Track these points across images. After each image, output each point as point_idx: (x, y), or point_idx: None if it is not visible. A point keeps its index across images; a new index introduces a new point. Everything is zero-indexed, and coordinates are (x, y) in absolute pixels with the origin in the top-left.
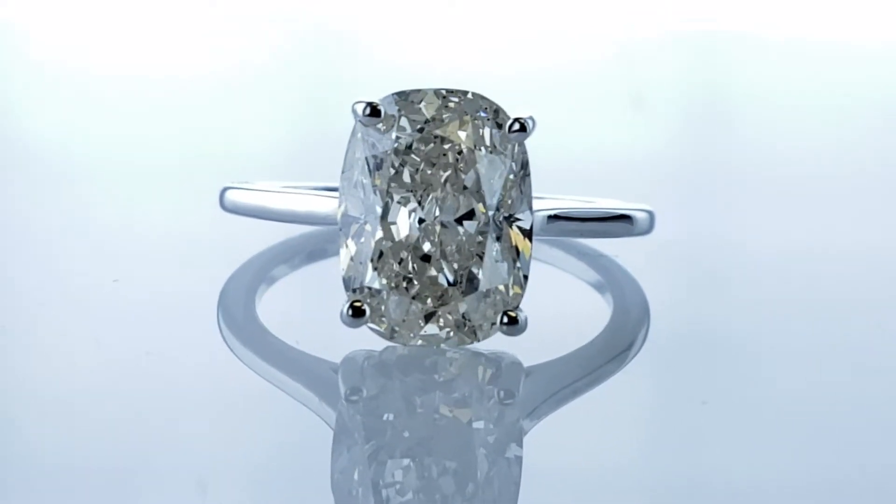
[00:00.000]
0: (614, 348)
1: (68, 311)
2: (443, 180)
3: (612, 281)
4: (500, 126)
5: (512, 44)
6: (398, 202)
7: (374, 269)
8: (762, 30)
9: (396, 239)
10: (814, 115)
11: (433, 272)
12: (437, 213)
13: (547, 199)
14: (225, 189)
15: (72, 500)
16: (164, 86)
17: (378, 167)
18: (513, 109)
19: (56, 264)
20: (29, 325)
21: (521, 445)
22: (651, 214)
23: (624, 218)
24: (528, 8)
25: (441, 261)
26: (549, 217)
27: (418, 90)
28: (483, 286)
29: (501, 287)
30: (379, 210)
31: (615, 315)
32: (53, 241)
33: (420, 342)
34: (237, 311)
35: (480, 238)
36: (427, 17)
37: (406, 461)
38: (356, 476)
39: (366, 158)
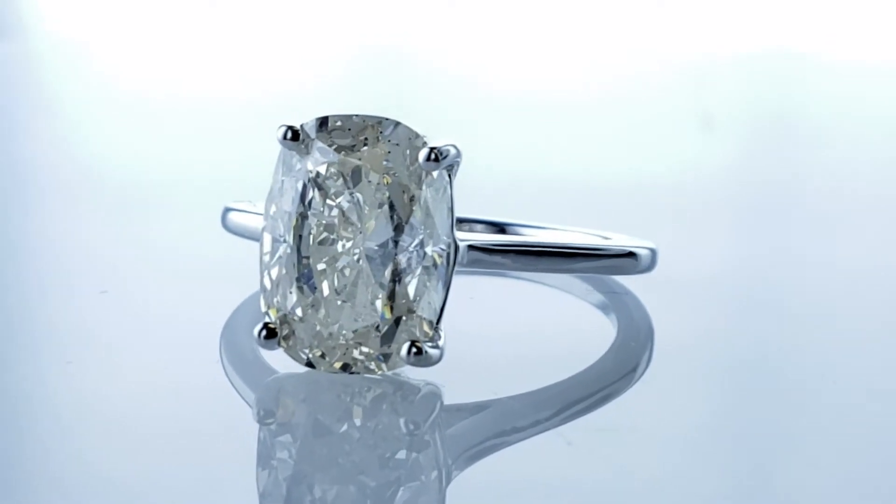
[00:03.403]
0: (620, 368)
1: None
2: (361, 208)
3: (618, 302)
4: (422, 155)
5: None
6: (315, 228)
7: (290, 293)
8: (833, 51)
9: (313, 266)
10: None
11: (349, 302)
12: (354, 241)
13: (558, 230)
14: (227, 210)
15: None
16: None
17: (298, 192)
18: (438, 138)
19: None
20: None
21: (445, 479)
22: (654, 252)
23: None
24: (592, 25)
25: (356, 290)
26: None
27: (342, 115)
28: (396, 316)
29: (417, 317)
30: (297, 236)
31: (620, 335)
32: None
33: (336, 368)
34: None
35: (397, 268)
36: (490, 39)
37: (321, 487)
38: (278, 499)
39: (282, 182)
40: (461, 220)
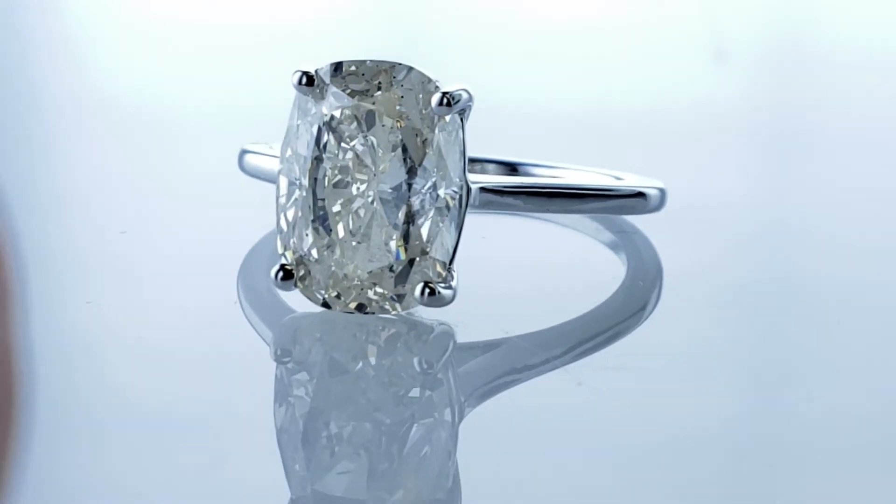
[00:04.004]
0: (629, 307)
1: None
2: (375, 152)
3: (628, 241)
4: (434, 99)
5: None
6: (330, 171)
7: (306, 235)
8: None
9: (328, 208)
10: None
11: (363, 243)
12: (368, 184)
13: (569, 169)
14: (243, 152)
15: None
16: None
17: (313, 136)
18: (452, 82)
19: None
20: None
21: (457, 415)
22: (663, 192)
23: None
24: None
25: (371, 232)
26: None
27: (355, 61)
28: (410, 257)
29: (430, 258)
30: (312, 179)
31: (629, 274)
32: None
33: (351, 308)
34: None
35: (410, 210)
36: None
37: (337, 423)
38: (295, 435)
39: (297, 125)
40: (473, 160)
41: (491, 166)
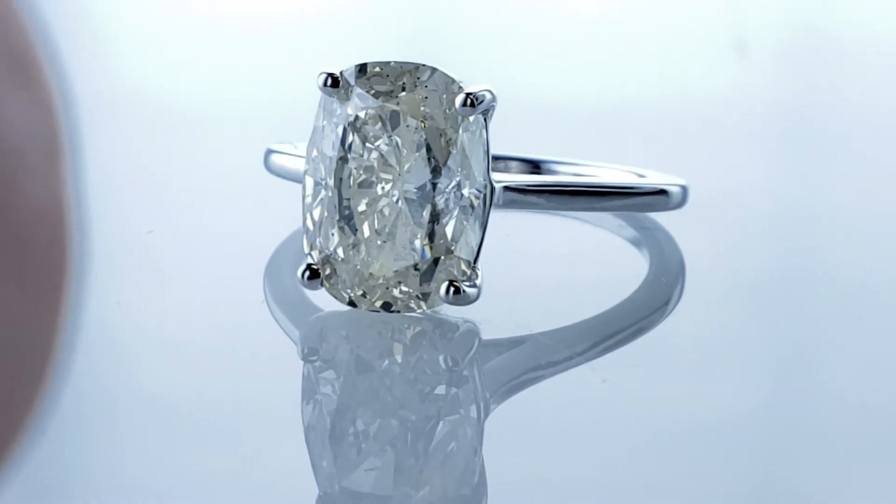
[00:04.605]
0: (652, 303)
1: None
2: (399, 152)
3: (650, 237)
4: (458, 100)
5: None
6: (355, 171)
7: (332, 234)
8: None
9: (353, 208)
10: None
11: (388, 242)
12: (393, 183)
13: (592, 166)
14: (269, 152)
15: None
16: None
17: (338, 136)
18: (475, 83)
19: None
20: None
21: (483, 412)
22: (685, 189)
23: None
24: None
25: (396, 231)
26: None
27: (379, 62)
28: (435, 256)
29: (455, 257)
30: (338, 179)
31: (652, 270)
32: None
33: (377, 307)
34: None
35: (435, 210)
36: None
37: (364, 420)
38: (322, 432)
39: (323, 126)
40: (496, 158)
41: (514, 164)
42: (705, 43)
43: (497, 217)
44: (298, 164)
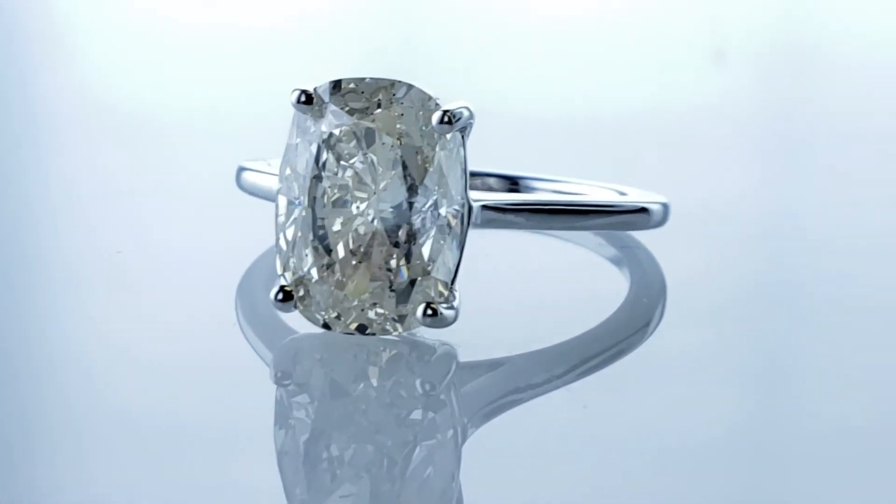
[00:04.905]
0: (633, 324)
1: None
2: (374, 170)
3: (631, 256)
4: (435, 117)
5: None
6: (329, 190)
7: (306, 255)
8: None
9: (328, 227)
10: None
11: (364, 263)
12: (368, 202)
13: (571, 183)
14: (241, 169)
15: None
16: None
17: (312, 154)
18: (452, 100)
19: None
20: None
21: (461, 436)
22: (666, 207)
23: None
24: None
25: (371, 251)
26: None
27: (354, 79)
28: (412, 277)
29: (432, 278)
30: (312, 198)
31: (633, 290)
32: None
33: (352, 329)
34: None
35: (412, 229)
36: None
37: (338, 446)
38: (296, 457)
39: (297, 144)
40: (474, 174)
41: (492, 180)
42: (684, 53)
43: (475, 235)
44: (271, 183)
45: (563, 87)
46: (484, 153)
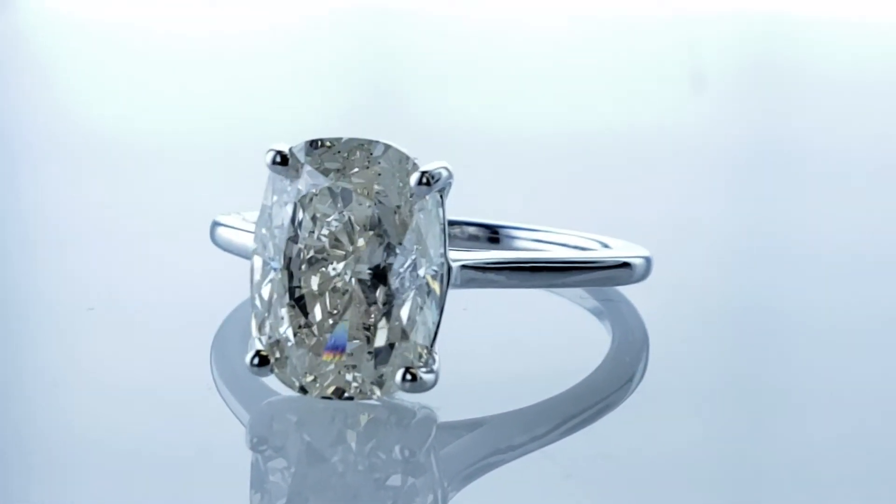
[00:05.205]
0: (616, 380)
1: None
2: (352, 231)
3: (612, 309)
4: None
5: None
6: (305, 251)
7: (282, 317)
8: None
9: (304, 289)
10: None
11: (340, 325)
12: (345, 264)
13: (552, 232)
14: (215, 224)
15: None
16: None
17: (288, 214)
18: (430, 160)
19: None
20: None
21: (441, 500)
22: (648, 261)
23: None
24: None
25: (348, 313)
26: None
27: (331, 139)
28: (390, 340)
29: (411, 341)
30: (287, 259)
31: (615, 344)
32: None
33: (329, 393)
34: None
35: (390, 291)
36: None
37: None
38: None
39: (272, 204)
40: (452, 223)
41: (472, 228)
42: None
43: (453, 291)
44: (245, 240)
45: (540, 111)
46: (463, 176)
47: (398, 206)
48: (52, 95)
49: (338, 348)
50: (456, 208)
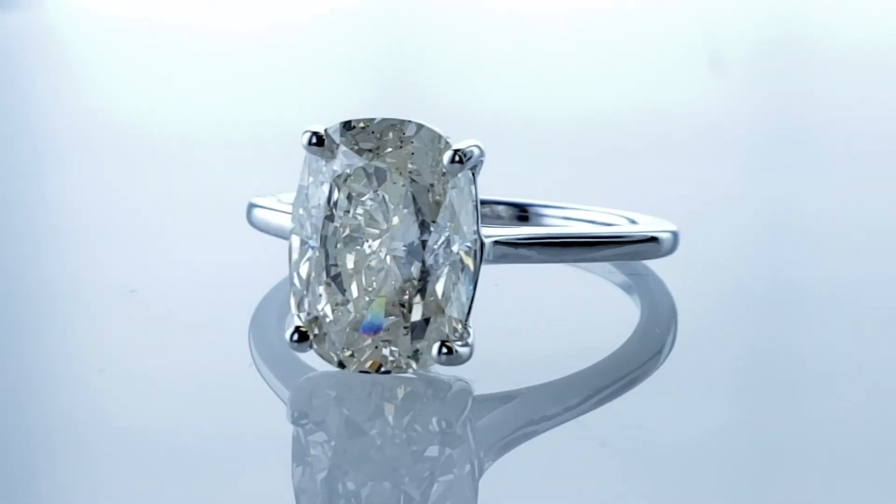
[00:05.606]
0: (645, 352)
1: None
2: (386, 209)
3: (641, 283)
4: (446, 157)
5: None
6: (341, 230)
7: (320, 295)
8: None
9: (341, 267)
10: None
11: (377, 303)
12: (380, 241)
13: (580, 209)
14: (251, 206)
15: None
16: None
17: (324, 194)
18: (461, 139)
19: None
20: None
21: (477, 471)
22: (675, 235)
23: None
24: None
25: (385, 290)
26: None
27: (364, 119)
28: (426, 315)
29: (446, 316)
30: (324, 238)
31: (643, 317)
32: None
33: (367, 367)
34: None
35: (425, 267)
36: None
37: (356, 483)
38: (313, 495)
39: (309, 185)
40: (483, 202)
41: (501, 208)
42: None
43: (486, 268)
44: (282, 220)
45: (562, 94)
46: (490, 162)
47: (431, 185)
48: (85, 89)
49: (373, 330)
50: (484, 189)
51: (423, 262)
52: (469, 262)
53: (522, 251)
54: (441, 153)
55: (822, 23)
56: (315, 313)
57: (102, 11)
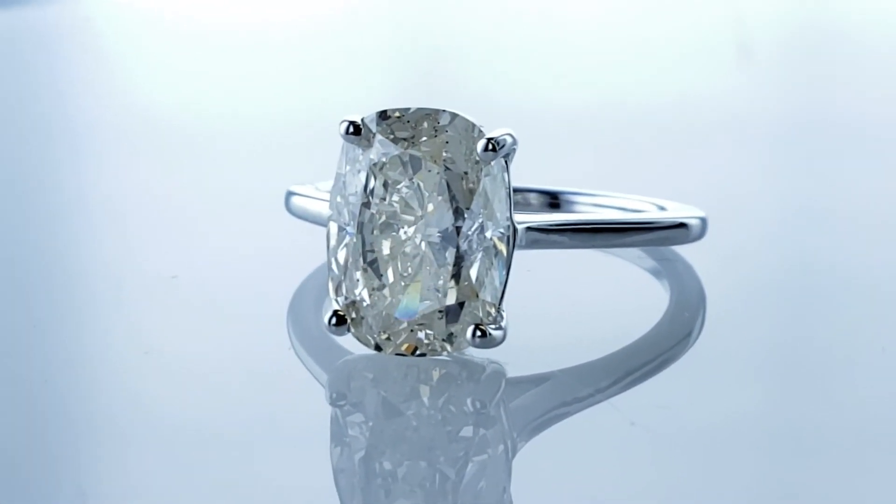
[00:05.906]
0: (675, 335)
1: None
2: (421, 196)
3: (670, 268)
4: (480, 145)
5: None
6: (378, 217)
7: (357, 280)
8: None
9: (377, 252)
10: None
11: (413, 287)
12: (416, 228)
13: (610, 196)
14: (290, 194)
15: None
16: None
17: (361, 182)
18: (494, 127)
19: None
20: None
21: (511, 451)
22: (704, 221)
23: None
24: None
25: (420, 275)
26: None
27: (400, 109)
28: (460, 299)
29: (480, 300)
30: (361, 224)
31: (673, 301)
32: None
33: (403, 350)
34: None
35: (459, 253)
36: None
37: (392, 462)
38: (351, 475)
39: (346, 173)
40: (514, 190)
41: (532, 195)
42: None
43: (518, 254)
44: (320, 208)
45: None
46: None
47: (465, 172)
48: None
49: (409, 314)
50: (516, 177)
51: (458, 248)
52: (502, 247)
53: (554, 237)
54: (475, 142)
55: (853, 10)
56: (352, 298)
57: (139, 5)
